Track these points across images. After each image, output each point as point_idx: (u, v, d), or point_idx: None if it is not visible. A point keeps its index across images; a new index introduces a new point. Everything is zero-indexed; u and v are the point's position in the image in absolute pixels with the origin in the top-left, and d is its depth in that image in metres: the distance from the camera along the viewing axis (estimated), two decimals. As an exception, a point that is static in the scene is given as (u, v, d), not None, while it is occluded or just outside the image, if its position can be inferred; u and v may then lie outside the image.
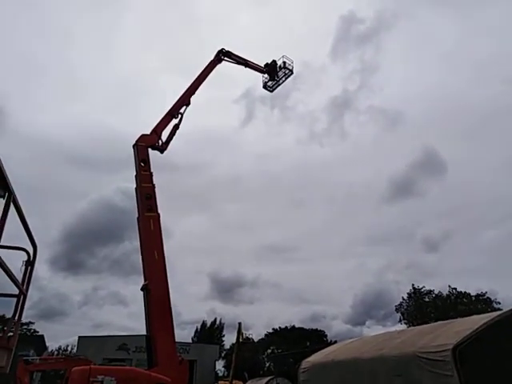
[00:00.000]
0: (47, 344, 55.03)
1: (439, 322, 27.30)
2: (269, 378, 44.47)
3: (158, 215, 16.60)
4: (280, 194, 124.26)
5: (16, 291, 3.25)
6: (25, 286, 3.28)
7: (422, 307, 47.11)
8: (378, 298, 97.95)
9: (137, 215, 16.73)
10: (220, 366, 62.16)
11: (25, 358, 18.06)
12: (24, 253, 3.47)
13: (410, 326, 38.14)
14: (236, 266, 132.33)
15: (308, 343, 51.99)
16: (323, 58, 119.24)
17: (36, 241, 3.49)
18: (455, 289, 48.00)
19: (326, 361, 28.35)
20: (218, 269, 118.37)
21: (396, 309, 50.06)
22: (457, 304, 45.27)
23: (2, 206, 2.57)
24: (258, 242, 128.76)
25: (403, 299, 50.01)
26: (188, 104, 20.79)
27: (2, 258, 2.64)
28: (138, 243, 16.35)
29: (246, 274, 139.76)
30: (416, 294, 48.89)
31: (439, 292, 48.35)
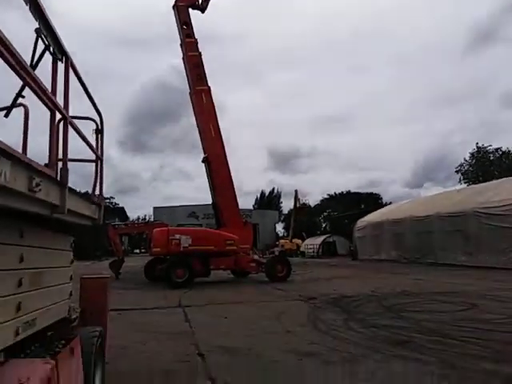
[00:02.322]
0: (128, 215, 63.03)
1: (502, 179, 26.71)
2: (325, 236, 48.47)
3: (209, 88, 16.45)
4: (337, 61, 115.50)
5: (93, 157, 3.55)
6: (99, 152, 3.54)
7: (485, 166, 45.44)
8: (439, 161, 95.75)
9: (189, 90, 16.72)
10: (280, 227, 68.27)
11: (113, 223, 21.05)
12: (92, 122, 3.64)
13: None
14: (292, 138, 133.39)
15: (363, 206, 54.08)
16: None
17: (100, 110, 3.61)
18: None
19: (381, 220, 29.99)
20: (274, 142, 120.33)
21: (456, 170, 49.01)
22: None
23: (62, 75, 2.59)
24: (314, 113, 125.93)
25: (465, 160, 48.37)
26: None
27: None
28: (194, 119, 16.70)
29: (303, 145, 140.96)
30: (480, 154, 46.77)
31: (507, 149, 45.68)
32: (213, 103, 16.39)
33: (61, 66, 2.55)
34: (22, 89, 2.48)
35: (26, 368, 2.14)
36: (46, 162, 2.35)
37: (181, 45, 16.89)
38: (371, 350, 4.96)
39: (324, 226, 63.97)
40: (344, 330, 6.20)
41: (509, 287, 11.21)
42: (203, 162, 16.24)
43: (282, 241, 51.23)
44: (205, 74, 16.51)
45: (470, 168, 47.42)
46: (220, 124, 16.33)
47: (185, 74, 16.85)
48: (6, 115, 2.67)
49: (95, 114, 3.65)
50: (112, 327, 5.55)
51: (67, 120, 2.40)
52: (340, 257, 39.05)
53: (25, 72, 1.91)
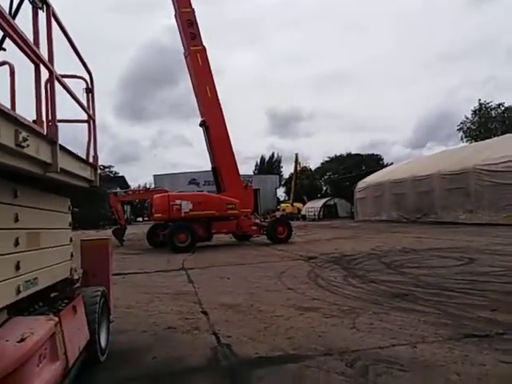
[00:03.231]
0: (128, 184, 63.13)
1: (504, 136, 26.43)
2: (326, 199, 48.73)
3: (204, 48, 15.91)
4: (337, 19, 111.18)
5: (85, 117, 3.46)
6: (91, 111, 3.44)
7: (487, 123, 44.76)
8: (442, 119, 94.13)
9: (183, 51, 16.19)
10: (281, 192, 68.54)
11: (113, 191, 21.10)
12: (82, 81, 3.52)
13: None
14: (292, 100, 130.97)
15: (364, 168, 53.90)
16: None
17: (90, 67, 3.48)
18: None
19: (382, 180, 29.99)
20: (274, 105, 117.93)
21: (458, 128, 48.37)
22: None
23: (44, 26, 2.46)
24: (314, 73, 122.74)
25: (466, 117, 47.62)
26: None
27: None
28: (190, 82, 16.28)
29: (303, 107, 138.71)
30: (482, 110, 45.96)
31: (510, 105, 44.79)
32: (209, 64, 15.91)
33: (42, 17, 2.42)
34: (3, 40, 2.37)
35: (29, 324, 2.18)
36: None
37: (173, 1, 16.16)
38: (370, 303, 5.08)
39: (325, 188, 64.03)
40: (344, 286, 6.33)
41: (508, 242, 11.36)
42: (201, 125, 16.00)
43: (283, 205, 51.67)
44: (199, 32, 15.90)
45: (472, 126, 46.80)
46: (218, 87, 15.96)
47: (178, 33, 16.25)
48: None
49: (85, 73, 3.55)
50: (117, 289, 5.68)
51: (53, 74, 2.30)
52: (341, 219, 39.44)
53: (4, 21, 1.80)
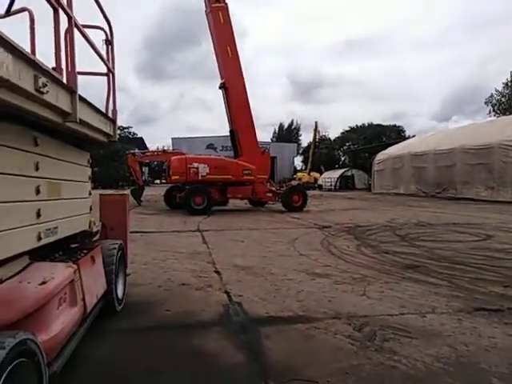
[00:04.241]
0: (147, 145, 63.51)
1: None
2: (344, 169, 48.14)
3: (226, 5, 15.40)
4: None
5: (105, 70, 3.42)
6: (111, 64, 3.40)
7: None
8: (471, 92, 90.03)
9: (204, 9, 15.70)
10: (298, 161, 67.99)
11: (131, 152, 21.29)
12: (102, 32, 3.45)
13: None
14: (315, 65, 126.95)
15: (384, 139, 52.69)
16: None
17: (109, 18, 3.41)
18: None
19: (402, 153, 29.32)
20: (296, 69, 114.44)
21: (485, 102, 46.28)
22: None
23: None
24: (338, 36, 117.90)
25: (496, 90, 45.38)
26: None
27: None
28: (211, 41, 15.88)
29: (326, 73, 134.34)
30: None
31: None
32: (230, 22, 15.42)
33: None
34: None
35: (50, 269, 2.26)
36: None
37: None
38: (382, 273, 5.09)
39: (343, 159, 63.13)
40: (356, 255, 6.35)
41: (528, 221, 11.09)
42: (220, 88, 15.74)
43: (299, 174, 51.31)
44: None
45: (502, 99, 44.66)
46: (239, 49, 15.54)
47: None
48: (8, 12, 2.53)
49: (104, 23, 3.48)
50: (134, 247, 5.84)
51: (72, 20, 2.25)
52: (358, 191, 39.08)
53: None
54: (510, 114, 33.68)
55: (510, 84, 44.01)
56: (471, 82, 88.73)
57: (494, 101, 45.39)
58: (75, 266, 2.50)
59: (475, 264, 5.57)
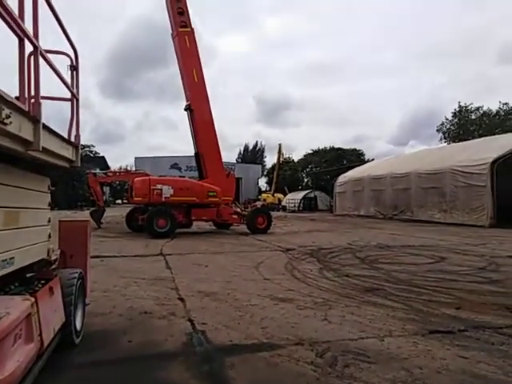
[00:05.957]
0: (109, 165, 61.90)
1: (482, 139, 27.18)
2: (307, 191, 49.15)
3: (193, 30, 15.65)
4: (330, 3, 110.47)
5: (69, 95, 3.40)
6: (75, 90, 3.38)
7: (465, 125, 45.83)
8: (427, 118, 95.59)
9: (171, 32, 15.88)
10: (263, 182, 68.76)
11: (92, 172, 20.68)
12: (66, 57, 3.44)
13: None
14: (280, 88, 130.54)
15: (345, 162, 54.54)
16: None
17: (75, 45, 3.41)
18: (506, 104, 44.14)
19: (361, 176, 30.47)
20: (262, 92, 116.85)
21: (437, 129, 49.38)
22: (506, 120, 43.20)
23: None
24: (303, 61, 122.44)
25: (446, 119, 48.65)
26: None
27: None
28: (177, 64, 16.02)
29: (290, 97, 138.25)
30: (461, 113, 46.99)
31: (488, 109, 45.92)
32: (196, 47, 15.67)
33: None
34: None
35: (5, 304, 2.17)
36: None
37: None
38: (343, 296, 5.23)
39: (306, 181, 64.52)
40: (319, 279, 6.48)
41: (477, 243, 11.80)
42: (186, 110, 15.81)
43: (264, 195, 51.82)
44: (188, 12, 15.62)
45: (452, 127, 47.85)
46: (205, 71, 15.78)
47: (167, 13, 15.90)
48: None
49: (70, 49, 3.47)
50: (94, 273, 5.64)
51: (37, 50, 2.25)
52: (320, 212, 39.92)
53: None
54: (459, 141, 36.00)
55: (457, 114, 47.36)
56: (426, 108, 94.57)
57: (444, 128, 48.58)
58: (32, 299, 2.40)
59: (429, 286, 5.85)
